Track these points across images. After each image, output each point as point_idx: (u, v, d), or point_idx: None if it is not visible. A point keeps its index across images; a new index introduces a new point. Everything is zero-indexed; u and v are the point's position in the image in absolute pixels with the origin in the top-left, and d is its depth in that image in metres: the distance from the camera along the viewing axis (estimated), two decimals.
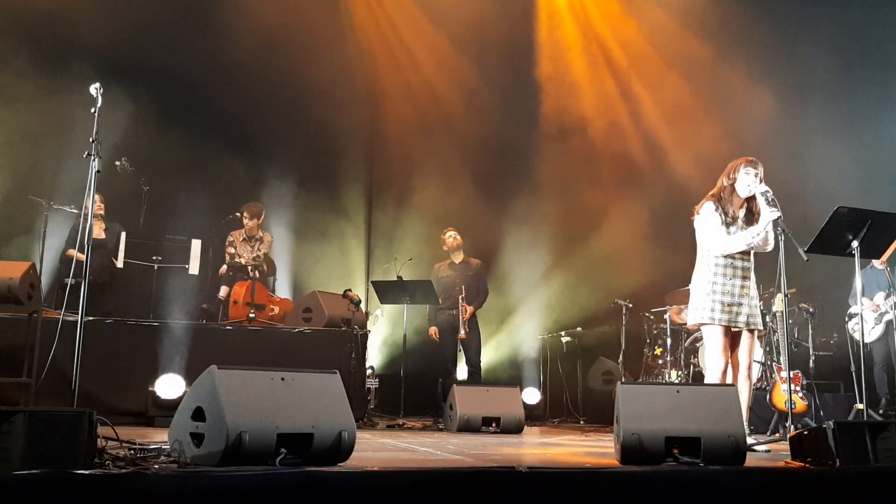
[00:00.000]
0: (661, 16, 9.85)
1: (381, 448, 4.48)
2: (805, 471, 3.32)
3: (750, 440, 4.70)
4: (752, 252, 4.91)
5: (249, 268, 7.57)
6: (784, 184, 5.93)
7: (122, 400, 5.96)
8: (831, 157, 8.52)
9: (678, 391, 3.51)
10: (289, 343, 6.89)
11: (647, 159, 9.75)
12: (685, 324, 8.20)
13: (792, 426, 4.82)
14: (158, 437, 3.98)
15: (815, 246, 4.50)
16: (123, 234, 7.53)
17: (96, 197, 5.05)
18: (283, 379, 3.17)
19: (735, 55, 9.18)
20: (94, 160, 4.31)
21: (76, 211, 7.00)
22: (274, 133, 9.24)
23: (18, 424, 2.62)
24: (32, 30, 8.06)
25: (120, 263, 7.52)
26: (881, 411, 7.45)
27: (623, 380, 8.26)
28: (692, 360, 7.93)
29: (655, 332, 8.68)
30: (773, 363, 7.27)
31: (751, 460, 3.57)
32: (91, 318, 5.42)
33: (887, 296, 7.48)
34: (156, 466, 2.98)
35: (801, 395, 7.30)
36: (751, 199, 4.91)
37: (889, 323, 7.48)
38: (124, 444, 3.36)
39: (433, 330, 8.06)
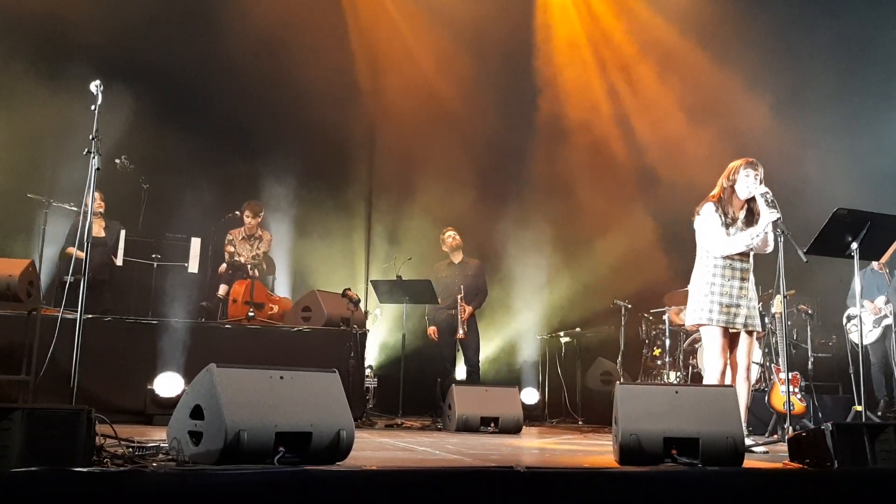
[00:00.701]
0: (660, 16, 9.86)
1: (379, 447, 4.48)
2: (803, 472, 3.32)
3: (748, 441, 4.71)
4: (752, 253, 4.91)
5: (249, 266, 7.57)
6: (783, 185, 5.93)
7: (120, 398, 5.95)
8: (831, 158, 8.54)
9: (677, 392, 3.51)
10: (288, 342, 6.89)
11: (646, 160, 9.75)
12: (684, 325, 8.21)
13: (790, 427, 4.82)
14: (157, 436, 3.98)
15: (814, 247, 4.50)
16: (123, 232, 7.53)
17: (96, 195, 5.07)
18: (281, 378, 3.17)
19: (734, 56, 9.19)
20: (93, 158, 4.31)
21: (76, 209, 6.99)
22: (274, 131, 9.24)
23: (17, 422, 2.62)
24: (32, 27, 8.05)
25: (119, 261, 7.52)
26: (879, 413, 7.46)
27: (622, 380, 8.26)
28: (691, 361, 7.93)
29: (654, 332, 8.68)
30: (772, 364, 7.27)
31: (749, 461, 3.57)
32: (90, 316, 5.41)
33: (887, 300, 7.49)
34: (154, 464, 2.98)
35: (799, 396, 7.30)
36: (751, 201, 4.92)
37: (888, 326, 7.48)
38: (123, 442, 3.35)
39: (432, 330, 8.06)
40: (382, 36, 10.06)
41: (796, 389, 7.31)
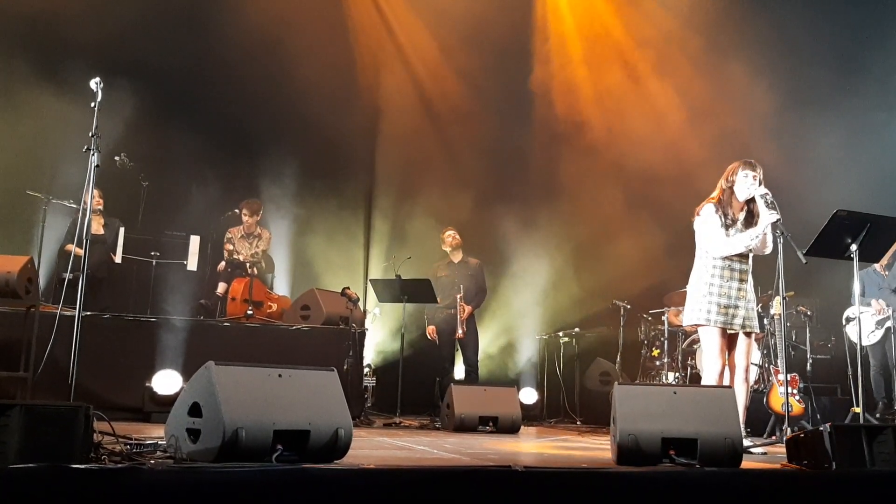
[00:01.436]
0: (661, 14, 9.84)
1: (377, 446, 4.48)
2: (801, 473, 3.32)
3: (746, 442, 4.71)
4: (751, 255, 4.91)
5: (248, 264, 7.57)
6: (783, 186, 5.93)
7: (118, 395, 5.94)
8: (831, 159, 8.53)
9: (675, 392, 3.51)
10: (286, 340, 6.88)
11: (647, 160, 9.74)
12: (683, 325, 8.21)
13: (789, 429, 4.82)
14: (155, 433, 3.98)
15: (813, 249, 4.51)
16: (122, 230, 7.52)
17: (95, 192, 5.06)
18: (280, 376, 3.17)
19: (735, 55, 9.15)
20: (93, 155, 4.31)
21: (75, 206, 6.99)
22: (274, 130, 9.22)
23: (15, 418, 2.62)
24: (32, 24, 8.04)
25: (118, 259, 7.52)
26: (878, 415, 7.45)
27: (620, 381, 8.27)
28: (689, 362, 7.93)
29: (653, 333, 8.69)
30: (771, 366, 7.27)
31: (747, 462, 3.57)
32: (89, 313, 5.41)
33: (888, 304, 7.48)
34: (151, 462, 2.98)
35: (798, 397, 7.30)
36: (751, 202, 4.92)
37: (889, 329, 7.47)
38: (120, 439, 3.35)
39: (431, 329, 8.07)
40: (382, 34, 10.05)
41: (795, 391, 7.31)
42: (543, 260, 9.84)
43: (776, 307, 6.63)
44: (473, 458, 3.82)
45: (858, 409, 5.18)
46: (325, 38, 9.27)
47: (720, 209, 4.91)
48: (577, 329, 9.45)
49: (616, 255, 9.42)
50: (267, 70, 8.86)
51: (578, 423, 8.62)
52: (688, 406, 3.41)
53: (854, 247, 4.49)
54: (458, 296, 7.87)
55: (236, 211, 7.92)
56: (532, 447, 5.07)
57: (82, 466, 2.42)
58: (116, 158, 6.52)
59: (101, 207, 7.36)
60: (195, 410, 3.08)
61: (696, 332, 7.81)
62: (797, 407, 7.25)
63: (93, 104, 4.37)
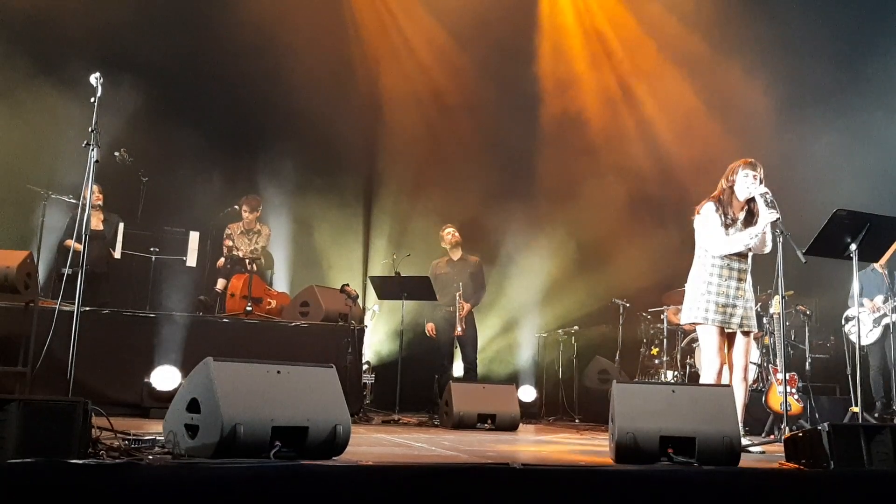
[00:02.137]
0: (663, 12, 9.83)
1: (376, 443, 4.48)
2: (799, 472, 3.32)
3: (745, 441, 4.71)
4: (750, 254, 4.91)
5: (247, 261, 7.56)
6: (784, 185, 5.93)
7: (117, 391, 5.94)
8: (831, 158, 8.51)
9: (674, 391, 3.51)
10: (285, 337, 6.88)
11: (648, 159, 9.74)
12: (682, 324, 8.21)
13: (787, 428, 4.82)
14: (153, 429, 3.98)
15: (813, 248, 4.50)
16: (121, 225, 7.52)
17: (95, 187, 5.05)
18: (278, 372, 3.17)
19: (735, 54, 9.15)
20: (92, 150, 4.30)
21: (74, 201, 6.98)
22: (274, 125, 9.22)
23: (13, 413, 2.62)
24: (32, 18, 8.03)
25: (117, 254, 7.51)
26: (876, 415, 7.45)
27: (619, 379, 8.27)
28: (688, 361, 7.94)
29: (652, 331, 8.69)
30: (770, 365, 7.28)
31: (745, 461, 3.58)
32: (87, 309, 5.41)
33: (885, 299, 7.48)
34: (150, 457, 2.98)
35: (796, 397, 7.30)
36: (751, 201, 4.92)
37: (887, 326, 7.47)
38: (119, 435, 3.35)
39: (430, 326, 8.07)
40: (382, 29, 10.04)
41: (793, 390, 7.31)
42: (543, 258, 9.84)
43: (775, 306, 6.64)
44: (471, 455, 3.82)
45: (857, 409, 5.16)
46: (326, 32, 9.26)
47: (720, 208, 4.91)
48: (576, 327, 9.45)
49: (616, 254, 9.42)
50: (267, 65, 8.85)
51: (577, 421, 8.63)
52: (686, 405, 3.41)
53: (854, 246, 4.48)
54: (458, 293, 7.87)
55: (236, 207, 7.91)
56: (530, 445, 5.07)
57: (80, 462, 2.41)
58: (116, 154, 6.52)
59: (100, 203, 7.36)
60: (193, 406, 3.08)
61: (695, 330, 7.81)
62: (796, 406, 7.25)
63: (92, 99, 4.37)
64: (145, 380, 6.03)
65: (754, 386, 7.07)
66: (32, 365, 5.27)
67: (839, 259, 4.60)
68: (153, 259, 7.83)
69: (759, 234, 4.77)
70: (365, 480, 2.71)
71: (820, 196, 7.45)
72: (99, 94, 4.37)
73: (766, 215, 4.66)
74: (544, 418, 8.90)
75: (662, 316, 8.32)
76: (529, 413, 8.81)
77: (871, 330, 7.58)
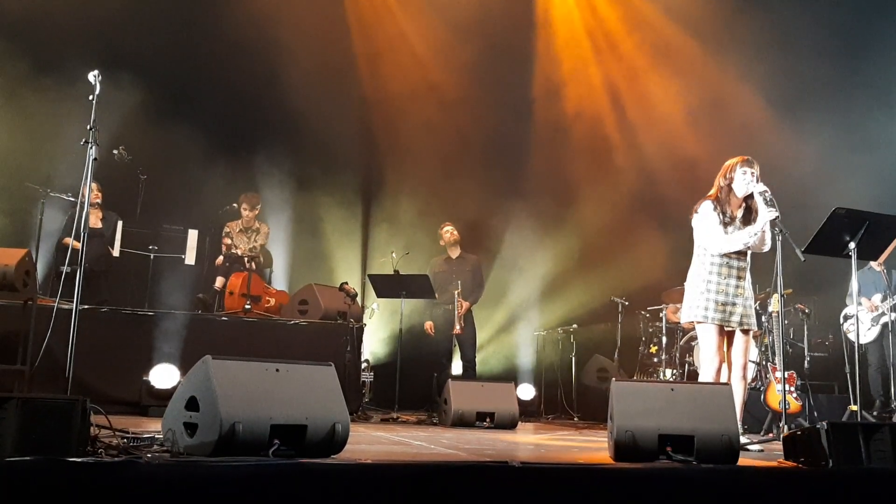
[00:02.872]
0: (659, 10, 9.82)
1: (375, 441, 4.48)
2: (798, 471, 3.32)
3: (743, 439, 4.71)
4: (749, 252, 4.91)
5: (246, 259, 7.56)
6: (782, 183, 5.93)
7: (116, 389, 5.94)
8: (831, 156, 8.49)
9: (672, 389, 3.51)
10: (284, 335, 6.88)
11: (646, 157, 9.74)
12: (681, 322, 8.21)
13: (786, 426, 4.83)
14: (152, 427, 3.98)
15: (812, 247, 4.50)
16: (120, 224, 7.51)
17: (93, 185, 5.04)
18: (277, 370, 3.16)
19: (734, 51, 9.13)
20: (90, 148, 4.30)
21: (73, 199, 6.97)
22: (272, 123, 9.21)
23: (11, 411, 2.62)
24: (30, 16, 8.02)
25: (116, 252, 7.51)
26: (875, 413, 7.46)
27: (618, 377, 8.27)
28: (687, 359, 7.94)
29: (651, 330, 8.69)
30: (768, 363, 7.28)
31: (744, 459, 3.58)
32: (86, 307, 5.41)
33: (884, 298, 7.48)
34: (148, 455, 2.98)
35: (795, 395, 7.30)
36: (748, 199, 4.92)
37: (885, 325, 7.48)
38: (117, 433, 3.35)
39: (429, 324, 8.07)
40: (381, 27, 10.01)
41: (792, 388, 7.31)
42: (542, 256, 9.85)
43: (774, 305, 6.63)
44: (470, 453, 3.82)
45: (855, 407, 5.17)
46: (324, 29, 9.25)
47: (718, 207, 4.90)
48: (575, 325, 9.46)
49: (614, 252, 9.42)
50: (266, 62, 8.84)
51: (576, 419, 8.63)
52: (685, 403, 3.41)
53: (852, 245, 4.48)
54: (456, 291, 7.87)
55: (235, 205, 7.90)
56: (529, 443, 5.07)
57: (79, 460, 2.41)
58: (115, 152, 6.51)
59: (99, 201, 7.35)
60: (192, 404, 3.08)
61: (694, 328, 7.82)
62: (794, 404, 7.25)
63: (91, 97, 4.36)
64: (144, 378, 6.03)
65: (753, 384, 7.07)
66: (31, 363, 5.27)
67: (838, 257, 4.59)
68: (152, 257, 7.82)
69: (759, 233, 4.76)
70: (364, 479, 2.71)
71: (819, 194, 7.44)
72: (97, 91, 4.36)
73: (766, 213, 4.66)
74: (543, 416, 8.90)
75: (661, 314, 8.33)
76: (528, 411, 8.81)
77: (869, 328, 7.58)
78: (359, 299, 7.54)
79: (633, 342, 8.89)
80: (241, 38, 8.57)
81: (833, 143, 8.55)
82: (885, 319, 7.45)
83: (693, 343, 7.88)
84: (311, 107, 8.79)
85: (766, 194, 4.71)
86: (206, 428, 2.98)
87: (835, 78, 9.03)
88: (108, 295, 7.29)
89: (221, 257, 7.81)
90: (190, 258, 7.70)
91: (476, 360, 8.33)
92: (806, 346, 7.56)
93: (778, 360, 6.29)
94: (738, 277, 4.86)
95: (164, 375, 6.05)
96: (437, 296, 7.74)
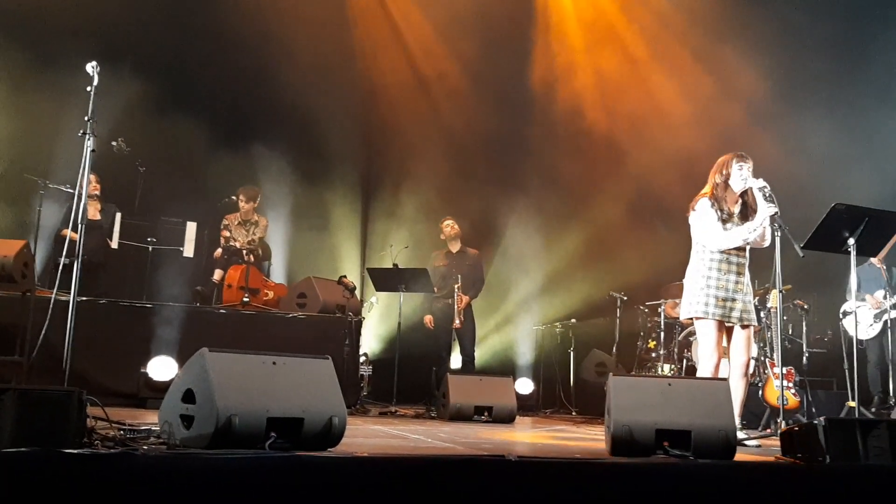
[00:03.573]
0: (660, 6, 9.79)
1: (372, 435, 4.48)
2: (795, 466, 3.32)
3: (741, 435, 4.71)
4: (748, 248, 4.90)
5: (244, 252, 7.55)
6: (781, 179, 5.92)
7: (113, 381, 5.95)
8: (830, 151, 8.47)
9: (670, 384, 3.51)
10: (282, 328, 6.88)
11: (646, 153, 9.71)
12: (679, 318, 8.21)
13: (783, 422, 4.82)
14: (149, 419, 3.97)
15: (811, 242, 4.49)
16: (119, 215, 7.50)
17: (92, 177, 5.04)
18: (274, 363, 3.16)
19: (733, 43, 9.06)
20: (88, 139, 4.28)
21: (72, 190, 6.89)
22: (271, 116, 9.18)
23: (8, 402, 2.62)
24: (29, 7, 7.99)
25: (114, 244, 7.49)
26: (873, 409, 7.45)
27: (615, 372, 8.27)
28: (685, 354, 7.94)
29: (649, 325, 8.69)
30: (767, 359, 7.28)
31: (741, 455, 3.58)
32: (84, 299, 5.40)
33: (885, 295, 7.48)
34: (144, 447, 2.98)
35: (793, 391, 7.30)
36: (744, 194, 4.92)
37: (886, 322, 7.47)
38: (114, 425, 3.35)
39: (428, 318, 8.07)
40: (380, 19, 9.98)
41: (790, 384, 7.31)
42: (541, 251, 9.85)
43: (773, 300, 6.63)
44: (468, 447, 3.82)
45: (854, 404, 5.16)
46: (322, 23, 9.22)
47: (716, 203, 4.90)
48: (573, 320, 9.46)
49: (614, 247, 9.42)
50: (264, 56, 8.82)
51: (574, 413, 8.64)
52: (682, 398, 3.41)
53: (852, 241, 4.47)
54: (456, 286, 7.86)
55: (233, 197, 7.88)
56: (527, 437, 5.08)
57: (75, 451, 2.41)
58: (113, 143, 6.49)
59: (97, 192, 7.33)
60: (189, 397, 3.08)
61: (692, 324, 7.81)
62: (792, 400, 7.25)
63: (89, 88, 4.34)
64: (141, 370, 6.04)
65: (751, 380, 7.07)
66: (29, 354, 5.26)
67: (837, 253, 4.58)
68: (150, 249, 7.80)
69: (759, 229, 4.76)
70: (360, 472, 2.71)
71: (819, 190, 7.42)
72: (95, 83, 4.34)
73: (765, 209, 4.66)
74: (541, 411, 8.91)
75: (660, 309, 8.32)
76: (526, 405, 8.82)
77: (871, 325, 7.57)
78: (357, 293, 7.54)
79: (632, 337, 8.88)
80: (241, 29, 8.55)
81: (834, 138, 8.52)
82: (886, 316, 7.44)
83: (691, 338, 7.88)
84: (311, 100, 8.77)
85: (766, 190, 4.71)
86: (203, 420, 2.98)
87: (837, 73, 9.00)
88: (106, 287, 7.28)
89: (220, 250, 7.80)
90: (188, 250, 7.68)
91: (475, 354, 8.33)
92: (805, 342, 7.55)
93: (776, 356, 6.28)
94: (738, 273, 4.85)
95: (161, 368, 6.06)
96: (436, 290, 7.74)
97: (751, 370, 6.31)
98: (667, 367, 8.06)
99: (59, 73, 7.14)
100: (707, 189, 5.01)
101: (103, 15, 7.90)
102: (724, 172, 4.94)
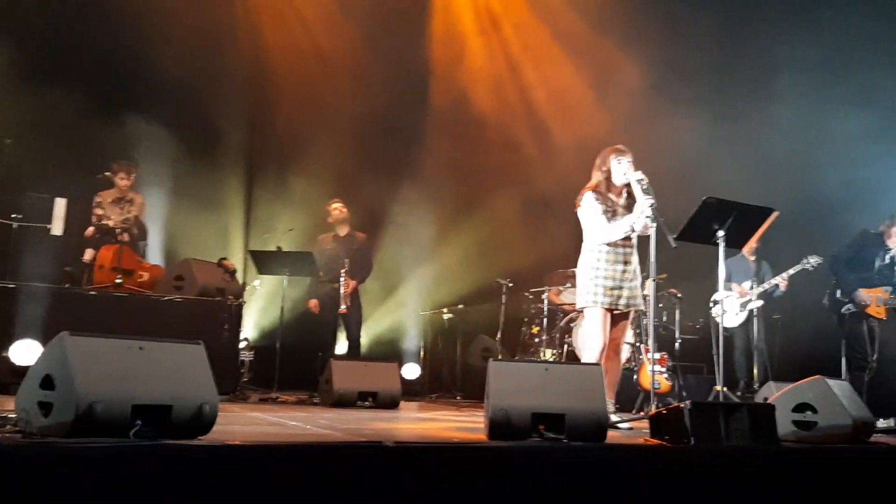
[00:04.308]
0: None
1: (249, 422, 4.36)
2: (661, 448, 3.45)
3: (614, 418, 4.89)
4: (634, 236, 5.10)
5: (118, 231, 7.21)
6: (664, 169, 6.14)
7: None
8: (706, 146, 8.78)
9: (546, 369, 3.58)
10: (158, 312, 6.63)
11: (532, 142, 9.86)
12: (563, 304, 8.43)
13: (654, 405, 5.02)
14: (9, 406, 3.72)
15: (683, 234, 4.67)
16: None
17: None
18: (141, 348, 3.01)
19: (618, 36, 9.27)
20: None
21: None
22: (150, 90, 8.69)
23: None
24: None
25: None
26: (739, 394, 7.87)
27: (500, 357, 8.41)
28: (566, 340, 8.15)
29: (533, 311, 8.86)
30: (641, 345, 7.56)
31: (613, 437, 3.68)
32: None
33: (752, 285, 7.90)
34: None
35: (666, 376, 7.62)
36: (629, 186, 5.09)
37: (751, 311, 7.90)
38: None
39: (313, 303, 7.94)
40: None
41: (663, 369, 7.64)
42: (428, 236, 9.86)
43: (647, 289, 6.88)
44: (346, 433, 3.77)
45: (721, 388, 5.44)
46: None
47: (600, 197, 5.09)
48: (460, 306, 9.55)
49: (502, 235, 9.54)
50: (144, 24, 8.38)
51: (459, 398, 8.73)
52: (558, 382, 3.48)
53: (720, 233, 4.67)
54: (343, 270, 7.77)
55: (107, 174, 7.48)
56: (409, 423, 5.08)
57: None
58: None
59: None
60: (47, 383, 2.90)
61: (574, 311, 8.04)
62: (665, 385, 7.58)
63: None
64: (3, 354, 5.73)
65: (627, 365, 7.34)
66: None
67: (707, 244, 4.78)
68: (15, 226, 7.32)
69: (637, 221, 4.95)
70: (231, 461, 2.63)
71: (699, 180, 7.67)
72: None
73: (643, 201, 4.84)
74: (428, 396, 8.96)
75: (543, 296, 8.51)
76: (413, 390, 8.86)
77: (737, 314, 7.99)
78: (239, 276, 7.33)
79: (517, 323, 9.05)
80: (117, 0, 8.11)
81: (711, 132, 8.84)
82: (751, 305, 7.87)
83: (572, 324, 8.10)
84: (193, 73, 8.41)
85: (644, 182, 4.90)
86: (62, 407, 2.81)
87: (715, 66, 9.32)
88: None
89: (91, 228, 7.40)
90: (57, 228, 7.25)
91: (361, 339, 8.28)
92: (677, 329, 7.89)
93: (650, 342, 6.54)
94: (625, 262, 5.07)
95: (25, 352, 5.80)
96: (323, 274, 7.62)
97: (626, 353, 6.58)
98: (549, 352, 8.25)
99: None
100: (591, 183, 5.19)
101: None
102: (604, 167, 5.13)
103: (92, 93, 8.28)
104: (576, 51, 9.60)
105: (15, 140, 7.57)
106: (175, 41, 8.31)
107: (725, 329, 8.00)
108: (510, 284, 8.95)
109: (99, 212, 7.36)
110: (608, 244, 5.04)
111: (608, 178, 5.13)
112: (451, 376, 9.36)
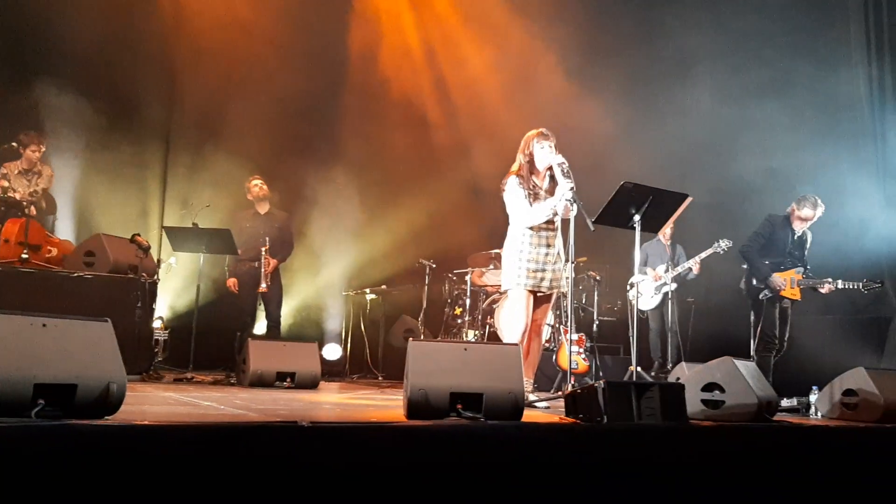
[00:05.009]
0: None
1: (161, 402, 4.24)
2: (575, 426, 3.52)
3: (532, 397, 4.97)
4: (557, 219, 5.17)
5: (25, 204, 6.89)
6: (583, 153, 6.22)
7: None
8: (625, 130, 8.92)
9: (465, 349, 3.60)
10: (67, 288, 6.35)
11: (456, 125, 9.85)
12: (485, 286, 8.49)
13: (571, 385, 5.12)
14: None
15: (601, 217, 4.74)
16: None
17: None
18: (44, 325, 2.88)
19: (537, 20, 9.30)
20: None
21: None
22: (60, 56, 8.25)
23: None
24: None
25: None
26: (653, 374, 8.12)
27: (422, 338, 8.43)
28: (489, 321, 8.23)
29: (456, 292, 8.91)
30: (561, 326, 7.70)
31: (530, 415, 3.73)
32: None
33: (667, 269, 8.12)
34: None
35: (584, 356, 7.80)
36: (552, 170, 5.15)
37: (666, 294, 8.13)
38: None
39: (232, 281, 7.78)
40: None
41: (581, 350, 7.81)
42: (351, 217, 9.77)
43: (566, 271, 6.99)
44: (261, 414, 3.70)
45: (634, 368, 5.58)
46: None
47: (522, 181, 5.14)
48: (384, 286, 9.52)
49: (424, 215, 9.52)
50: None
51: (380, 378, 8.72)
52: (476, 362, 3.50)
53: (637, 217, 4.77)
54: (263, 248, 7.62)
55: (13, 144, 7.13)
56: (328, 403, 5.03)
57: None
58: None
59: None
60: None
61: (497, 292, 8.11)
62: (582, 365, 7.75)
63: None
64: None
65: (547, 345, 7.46)
66: None
67: (624, 229, 4.87)
68: None
69: (558, 204, 5.01)
70: (139, 441, 2.55)
71: (615, 165, 7.80)
72: None
73: (563, 184, 4.91)
74: (349, 376, 8.92)
75: (466, 277, 8.56)
76: (334, 371, 8.80)
77: (652, 296, 8.21)
78: (154, 253, 7.11)
79: (440, 303, 9.08)
80: None
81: (630, 115, 9.00)
82: (666, 289, 8.10)
83: (494, 306, 8.17)
84: (106, 39, 8.05)
85: (564, 166, 4.97)
86: None
87: (635, 49, 9.47)
88: None
89: None
90: None
91: (282, 320, 8.16)
92: (596, 310, 8.07)
93: (569, 323, 6.66)
94: (548, 245, 5.17)
95: None
96: (241, 252, 7.47)
97: (545, 335, 6.69)
98: (472, 332, 8.32)
99: None
100: (515, 167, 5.23)
101: None
102: (527, 151, 5.20)
103: None
104: (495, 33, 9.58)
105: None
106: (87, 4, 7.92)
107: (641, 311, 8.22)
108: (434, 266, 8.96)
109: (4, 184, 7.01)
110: (531, 227, 5.13)
111: (531, 162, 5.20)
112: (373, 357, 9.34)
